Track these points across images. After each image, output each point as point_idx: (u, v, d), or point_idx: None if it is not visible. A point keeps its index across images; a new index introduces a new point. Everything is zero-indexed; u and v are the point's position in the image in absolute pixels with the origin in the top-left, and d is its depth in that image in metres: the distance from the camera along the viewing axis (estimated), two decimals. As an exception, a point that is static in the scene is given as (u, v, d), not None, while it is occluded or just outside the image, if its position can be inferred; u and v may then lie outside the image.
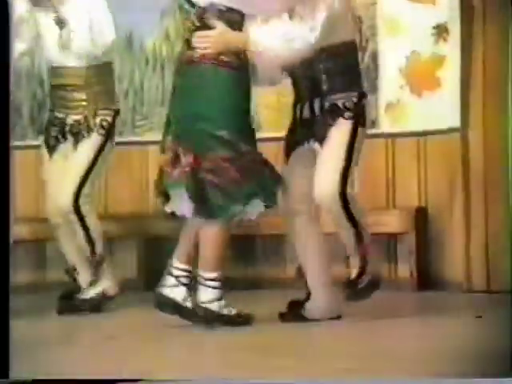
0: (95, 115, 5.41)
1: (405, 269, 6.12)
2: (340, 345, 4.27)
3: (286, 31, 4.74)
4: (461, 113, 5.97)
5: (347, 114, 4.77)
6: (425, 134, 6.18)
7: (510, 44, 5.40)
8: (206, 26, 4.70)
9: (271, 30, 4.77)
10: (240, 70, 4.73)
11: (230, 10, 4.73)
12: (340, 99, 4.79)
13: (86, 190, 5.37)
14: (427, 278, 6.08)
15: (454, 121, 6.00)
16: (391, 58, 6.29)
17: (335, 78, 4.85)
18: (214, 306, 4.71)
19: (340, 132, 4.78)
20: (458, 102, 5.99)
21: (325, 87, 4.84)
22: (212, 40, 4.69)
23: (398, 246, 6.20)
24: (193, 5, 4.83)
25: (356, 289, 4.79)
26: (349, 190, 4.78)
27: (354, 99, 4.81)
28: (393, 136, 6.30)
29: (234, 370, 3.78)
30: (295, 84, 4.99)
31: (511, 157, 5.03)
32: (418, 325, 4.83)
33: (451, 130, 6.05)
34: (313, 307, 4.85)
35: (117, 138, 6.28)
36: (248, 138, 4.79)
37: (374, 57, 6.34)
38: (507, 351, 3.50)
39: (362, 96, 4.86)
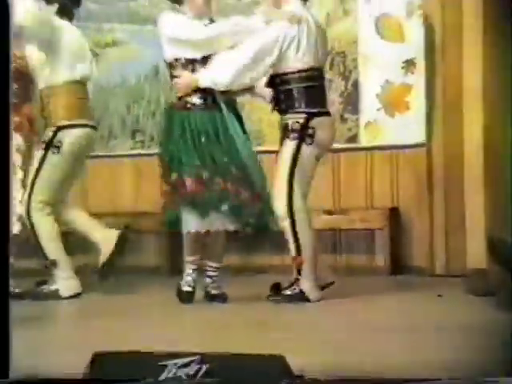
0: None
1: (381, 258, 6.06)
2: (326, 320, 4.27)
3: (235, 68, 4.59)
4: (426, 130, 5.99)
5: (292, 135, 4.61)
6: (397, 147, 6.13)
7: (465, 75, 5.42)
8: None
9: (221, 69, 4.61)
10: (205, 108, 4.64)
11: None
12: (289, 119, 4.63)
13: (37, 197, 5.09)
14: (399, 265, 6.02)
15: (421, 137, 6.00)
16: (369, 86, 6.21)
17: (289, 100, 4.66)
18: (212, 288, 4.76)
19: (285, 151, 4.64)
20: (423, 121, 6.00)
21: (282, 106, 4.71)
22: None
23: (376, 239, 6.13)
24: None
25: (280, 294, 4.62)
26: (299, 203, 4.61)
27: (301, 120, 4.60)
28: (371, 149, 6.24)
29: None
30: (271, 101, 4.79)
31: (466, 165, 5.38)
32: (392, 302, 4.78)
33: (418, 145, 6.01)
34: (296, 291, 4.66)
35: (142, 151, 6.53)
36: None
37: (356, 85, 6.26)
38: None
39: (310, 117, 4.63)
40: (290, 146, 4.63)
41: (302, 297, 4.60)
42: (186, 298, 4.73)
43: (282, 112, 4.73)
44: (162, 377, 2.48)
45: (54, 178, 5.14)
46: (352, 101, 6.29)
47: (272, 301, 4.62)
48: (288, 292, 4.63)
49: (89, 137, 5.24)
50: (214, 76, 4.62)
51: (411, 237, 6.11)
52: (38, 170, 5.11)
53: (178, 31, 4.68)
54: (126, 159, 6.80)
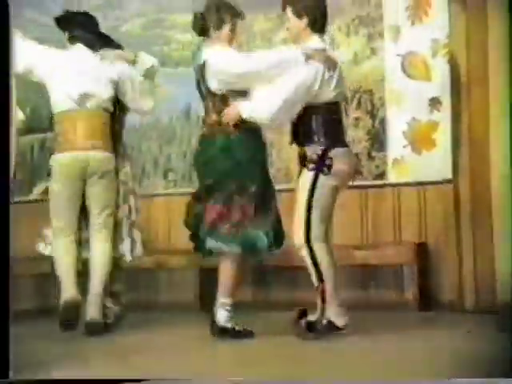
0: None
1: (409, 293, 5.95)
2: (353, 355, 4.24)
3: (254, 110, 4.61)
4: (452, 167, 5.91)
5: (310, 165, 4.59)
6: (424, 184, 6.07)
7: (491, 111, 5.33)
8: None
9: (250, 107, 4.62)
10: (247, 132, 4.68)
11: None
12: (308, 150, 4.62)
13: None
14: (428, 300, 5.94)
15: (447, 173, 5.93)
16: (396, 124, 6.18)
17: (308, 132, 4.63)
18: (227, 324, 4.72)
19: (303, 182, 4.62)
20: (449, 158, 5.92)
21: (301, 138, 4.69)
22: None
23: (404, 274, 6.03)
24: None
25: (314, 330, 4.58)
26: (317, 232, 4.56)
27: (319, 151, 4.58)
28: (398, 186, 6.18)
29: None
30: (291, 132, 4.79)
31: (493, 200, 5.28)
32: (420, 338, 4.70)
33: (445, 181, 5.94)
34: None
35: (174, 190, 6.49)
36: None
37: (383, 122, 6.23)
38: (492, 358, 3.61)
39: (328, 148, 4.59)
40: (308, 176, 4.61)
41: (330, 327, 4.59)
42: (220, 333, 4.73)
43: (301, 144, 4.70)
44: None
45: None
46: (379, 138, 6.26)
47: (303, 338, 4.57)
48: (318, 327, 4.59)
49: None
50: (257, 110, 4.63)
51: (440, 272, 6.02)
52: None
53: (222, 64, 4.68)
54: (159, 198, 6.80)
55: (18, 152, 6.18)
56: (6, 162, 2.48)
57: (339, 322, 4.61)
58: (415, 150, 6.15)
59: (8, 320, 2.74)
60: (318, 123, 4.64)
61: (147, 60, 5.31)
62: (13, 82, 3.89)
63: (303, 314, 4.65)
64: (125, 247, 5.28)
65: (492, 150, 5.40)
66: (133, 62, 5.26)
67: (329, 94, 4.65)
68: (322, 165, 4.59)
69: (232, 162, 4.68)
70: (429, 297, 5.99)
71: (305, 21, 4.68)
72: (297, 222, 4.62)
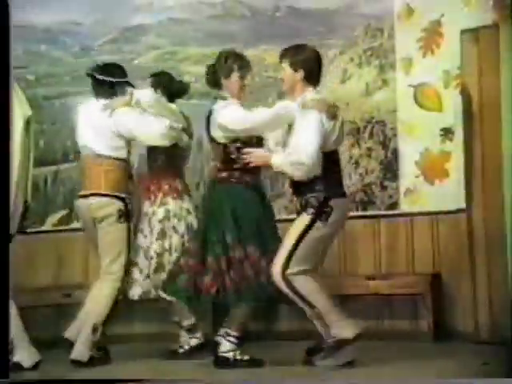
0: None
1: (424, 323, 5.92)
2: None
3: (293, 160, 4.63)
4: (465, 197, 5.82)
5: (309, 209, 4.64)
6: (437, 213, 6.06)
7: (504, 141, 5.35)
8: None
9: (285, 157, 4.68)
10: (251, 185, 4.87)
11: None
12: (310, 198, 4.65)
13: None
14: (442, 331, 5.91)
15: (460, 203, 5.85)
16: (408, 154, 6.20)
17: (310, 182, 4.66)
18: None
19: (298, 223, 4.68)
20: (462, 188, 5.84)
21: (302, 188, 4.71)
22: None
23: (418, 304, 5.99)
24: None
25: (321, 353, 4.65)
26: (296, 269, 4.58)
27: (320, 198, 4.63)
28: (411, 215, 6.18)
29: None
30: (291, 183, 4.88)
31: (509, 232, 5.15)
32: (434, 370, 4.62)
33: (458, 211, 5.89)
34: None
35: None
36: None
37: (395, 153, 6.25)
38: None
39: (328, 198, 4.65)
40: (305, 218, 4.67)
41: (339, 343, 4.61)
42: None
43: (302, 193, 4.73)
44: None
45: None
46: (392, 168, 6.29)
47: (315, 362, 4.65)
48: (326, 346, 4.64)
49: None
50: (295, 160, 4.63)
51: (454, 302, 6.00)
52: None
53: (225, 119, 4.82)
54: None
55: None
56: (6, 162, 2.42)
57: (347, 334, 4.62)
58: (428, 179, 6.17)
59: (8, 320, 2.68)
60: (320, 173, 4.66)
61: (143, 96, 5.24)
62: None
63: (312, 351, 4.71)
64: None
65: (505, 179, 5.34)
66: (129, 104, 5.22)
67: (331, 143, 4.69)
68: (321, 212, 4.65)
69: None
70: (443, 327, 5.96)
71: (301, 74, 4.74)
72: (276, 260, 4.65)
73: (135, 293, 5.34)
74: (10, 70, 3.51)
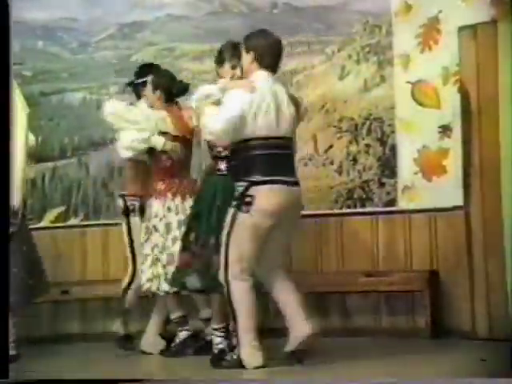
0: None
1: (421, 320, 5.91)
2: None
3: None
4: (463, 194, 5.83)
5: (233, 202, 4.56)
6: (434, 210, 6.04)
7: (502, 138, 5.48)
8: None
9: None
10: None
11: None
12: (237, 187, 4.56)
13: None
14: (440, 328, 5.88)
15: (458, 200, 5.83)
16: (406, 151, 6.17)
17: (236, 169, 4.66)
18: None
19: (227, 219, 4.58)
20: (460, 185, 5.84)
21: (232, 174, 4.70)
22: None
23: (415, 301, 5.99)
24: None
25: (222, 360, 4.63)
26: (234, 271, 4.49)
27: (240, 189, 4.53)
28: (409, 212, 6.15)
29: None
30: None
31: (508, 228, 5.36)
32: (432, 367, 4.61)
33: (456, 208, 5.87)
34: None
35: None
36: None
37: (393, 149, 6.22)
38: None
39: (249, 186, 4.52)
40: (229, 213, 4.58)
41: (238, 364, 4.52)
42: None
43: (234, 180, 4.65)
44: None
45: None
46: (389, 165, 6.26)
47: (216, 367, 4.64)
48: (228, 357, 4.64)
49: None
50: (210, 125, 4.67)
51: (452, 299, 5.96)
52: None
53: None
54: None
55: (29, 179, 6.18)
56: (6, 162, 2.38)
57: (248, 363, 4.48)
58: (426, 176, 6.16)
59: (8, 320, 2.61)
60: (242, 160, 4.59)
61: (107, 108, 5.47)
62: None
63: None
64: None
65: (503, 176, 5.45)
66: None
67: (261, 129, 4.56)
68: (241, 202, 4.50)
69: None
70: (441, 324, 5.94)
71: (251, 56, 4.73)
72: (220, 260, 4.59)
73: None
74: (10, 69, 3.47)
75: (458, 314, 5.89)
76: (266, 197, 4.53)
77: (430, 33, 6.13)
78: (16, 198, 3.94)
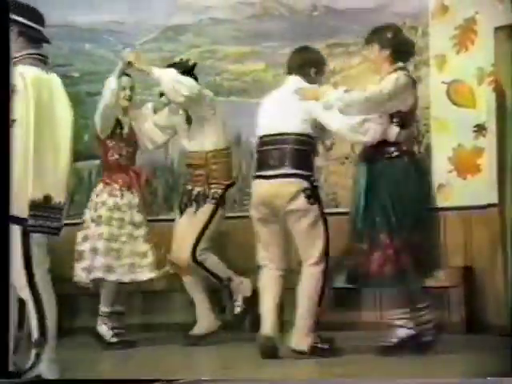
0: (209, 188, 5.50)
1: (456, 316, 5.92)
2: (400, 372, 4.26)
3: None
4: (498, 192, 5.75)
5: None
6: (469, 208, 6.05)
7: None
8: None
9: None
10: None
11: None
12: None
13: (201, 245, 5.40)
14: (475, 323, 5.90)
15: (492, 198, 5.78)
16: (441, 149, 6.17)
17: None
18: None
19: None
20: (495, 183, 5.77)
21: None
22: None
23: (451, 297, 5.98)
24: None
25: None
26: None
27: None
28: (444, 210, 5.91)
29: None
30: None
31: None
32: (465, 362, 4.66)
33: (490, 206, 5.85)
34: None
35: (228, 213, 6.41)
36: None
37: (428, 148, 6.22)
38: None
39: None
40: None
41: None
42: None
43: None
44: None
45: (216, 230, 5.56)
46: (424, 164, 5.90)
47: None
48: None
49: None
50: None
51: (486, 295, 5.96)
52: (208, 222, 5.50)
53: None
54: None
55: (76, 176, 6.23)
56: (6, 162, 2.33)
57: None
58: (460, 175, 6.17)
59: (8, 320, 2.53)
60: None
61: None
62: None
63: None
64: None
65: None
66: None
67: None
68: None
69: None
70: (476, 320, 5.94)
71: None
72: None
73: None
74: (10, 69, 3.51)
75: (492, 310, 5.87)
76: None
77: (466, 33, 6.13)
78: (62, 195, 3.97)
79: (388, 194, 4.71)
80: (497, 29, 5.75)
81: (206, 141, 5.55)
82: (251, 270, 5.41)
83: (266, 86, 6.43)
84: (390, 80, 4.73)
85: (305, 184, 4.73)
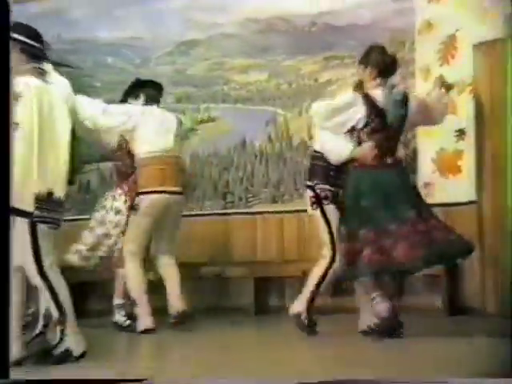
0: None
1: (439, 300, 5.91)
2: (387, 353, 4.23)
3: None
4: (476, 191, 5.84)
5: None
6: (450, 205, 5.98)
7: (510, 141, 5.34)
8: None
9: None
10: None
11: None
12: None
13: (125, 247, 5.29)
14: (455, 307, 5.88)
15: (472, 196, 5.85)
16: (426, 152, 6.16)
17: None
18: None
19: None
20: (473, 183, 5.85)
21: None
22: None
23: (434, 284, 5.96)
24: None
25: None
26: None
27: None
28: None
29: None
30: None
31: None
32: (449, 339, 4.63)
33: (470, 203, 5.88)
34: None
35: (231, 210, 6.46)
36: None
37: (415, 151, 6.21)
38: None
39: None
40: None
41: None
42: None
43: None
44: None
45: (135, 232, 5.26)
46: (411, 165, 6.20)
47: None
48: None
49: (165, 201, 5.24)
50: None
51: (466, 281, 5.96)
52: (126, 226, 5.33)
53: None
54: (219, 217, 6.77)
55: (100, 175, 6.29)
56: (6, 162, 2.28)
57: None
58: (443, 175, 6.14)
59: (8, 320, 2.46)
60: None
61: None
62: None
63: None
64: None
65: (510, 174, 5.30)
66: None
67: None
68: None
69: None
70: (457, 303, 5.93)
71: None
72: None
73: None
74: (10, 69, 3.48)
75: (471, 295, 5.86)
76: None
77: (448, 49, 6.11)
78: (62, 191, 3.98)
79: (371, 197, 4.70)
80: (475, 45, 5.81)
81: None
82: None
83: (268, 94, 6.54)
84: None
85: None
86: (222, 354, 4.32)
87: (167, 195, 5.23)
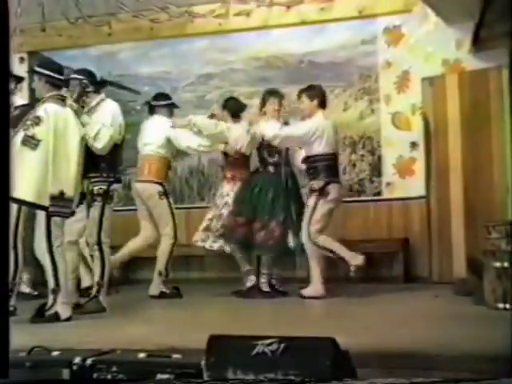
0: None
1: (397, 271, 6.09)
2: (361, 311, 4.37)
3: None
4: (425, 188, 6.01)
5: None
6: (407, 199, 6.18)
7: (450, 152, 5.72)
8: None
9: None
10: None
11: None
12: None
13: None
14: (409, 276, 6.04)
15: (422, 192, 6.03)
16: (388, 159, 6.31)
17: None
18: None
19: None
20: (423, 182, 6.03)
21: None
22: None
23: (393, 259, 6.14)
24: None
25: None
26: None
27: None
28: (391, 200, 6.30)
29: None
30: None
31: (452, 210, 5.64)
32: (405, 300, 4.85)
33: (420, 197, 6.06)
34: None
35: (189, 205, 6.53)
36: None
37: (379, 158, 6.34)
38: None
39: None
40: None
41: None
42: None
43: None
44: (254, 352, 2.38)
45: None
46: (377, 168, 6.43)
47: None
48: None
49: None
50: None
51: (417, 257, 6.13)
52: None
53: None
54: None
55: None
56: (6, 162, 2.17)
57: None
58: (401, 176, 6.33)
59: (8, 320, 2.15)
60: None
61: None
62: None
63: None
64: None
65: (451, 177, 5.77)
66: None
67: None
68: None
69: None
70: (410, 274, 6.11)
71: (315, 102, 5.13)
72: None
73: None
74: (10, 70, 3.54)
75: (421, 267, 6.05)
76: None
77: (403, 81, 6.30)
78: (72, 191, 4.01)
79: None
80: (423, 79, 6.04)
81: None
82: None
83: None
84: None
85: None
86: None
87: None
